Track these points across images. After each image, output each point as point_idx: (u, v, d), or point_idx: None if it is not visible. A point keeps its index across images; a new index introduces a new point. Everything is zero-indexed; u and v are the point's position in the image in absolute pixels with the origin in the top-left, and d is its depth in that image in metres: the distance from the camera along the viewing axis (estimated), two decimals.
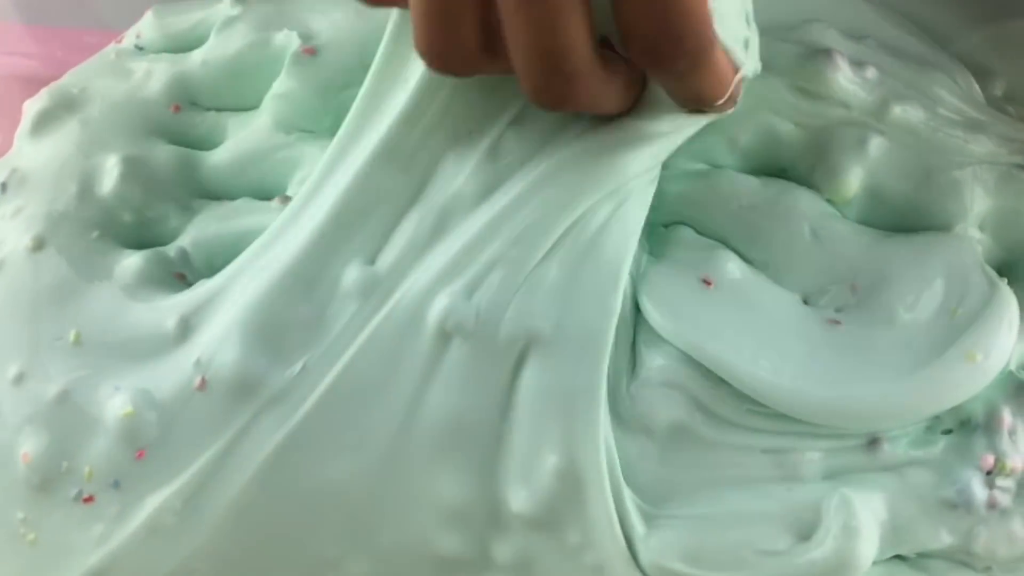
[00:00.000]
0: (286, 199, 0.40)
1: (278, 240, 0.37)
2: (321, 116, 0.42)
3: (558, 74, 0.30)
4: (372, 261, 0.37)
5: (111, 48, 0.46)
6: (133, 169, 0.41)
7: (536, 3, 0.29)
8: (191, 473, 0.36)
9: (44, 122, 0.43)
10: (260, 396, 0.36)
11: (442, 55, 0.31)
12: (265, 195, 0.41)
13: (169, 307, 0.38)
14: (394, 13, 0.38)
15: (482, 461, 0.35)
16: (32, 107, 0.44)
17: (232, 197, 0.42)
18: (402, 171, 0.37)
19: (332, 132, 0.41)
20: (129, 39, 0.47)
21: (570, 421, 0.35)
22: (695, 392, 0.36)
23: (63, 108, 0.43)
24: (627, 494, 0.35)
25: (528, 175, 0.36)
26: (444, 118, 0.37)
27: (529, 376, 0.35)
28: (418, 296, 0.36)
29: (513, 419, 0.35)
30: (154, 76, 0.44)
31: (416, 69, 0.37)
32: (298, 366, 0.36)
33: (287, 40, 0.42)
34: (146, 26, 0.46)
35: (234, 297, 0.37)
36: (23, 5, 0.61)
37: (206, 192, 0.42)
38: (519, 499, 0.35)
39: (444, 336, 0.35)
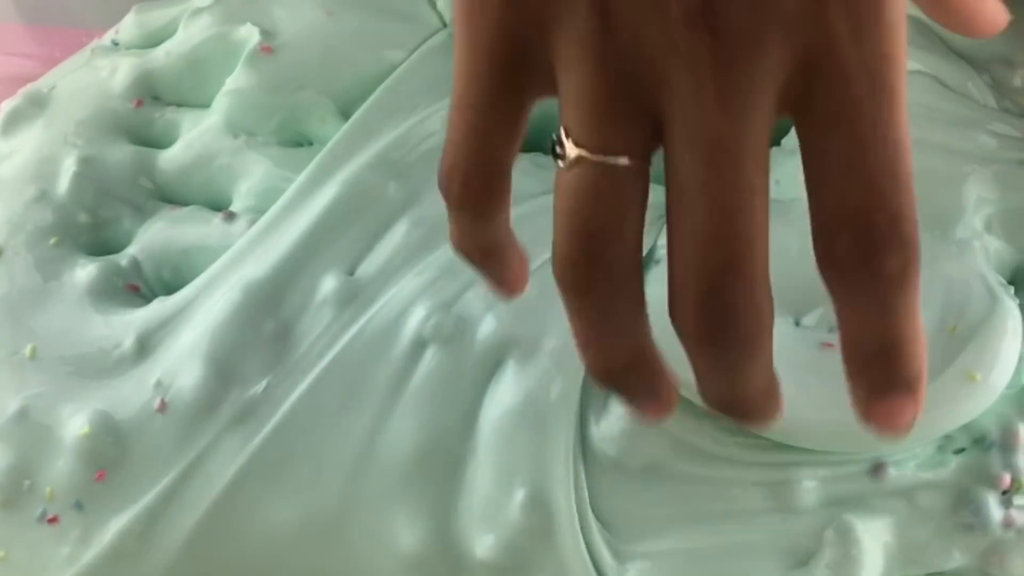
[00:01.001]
0: (230, 215, 0.39)
1: (247, 257, 0.36)
2: (269, 116, 0.40)
3: (738, 272, 0.24)
4: (352, 271, 0.36)
5: (90, 45, 0.45)
6: (88, 169, 0.40)
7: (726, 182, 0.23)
8: (151, 497, 0.34)
9: (13, 122, 0.42)
10: (220, 419, 0.34)
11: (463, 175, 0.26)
12: (212, 200, 0.40)
13: (126, 324, 0.36)
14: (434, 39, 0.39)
15: (441, 502, 0.33)
16: (6, 107, 0.43)
17: (183, 200, 0.40)
18: (396, 178, 0.37)
19: (277, 134, 0.39)
20: (108, 36, 0.45)
21: (539, 443, 0.33)
22: (672, 428, 0.33)
23: (33, 107, 0.42)
24: (595, 527, 0.33)
25: (534, 202, 0.36)
26: None
27: (501, 389, 0.34)
28: (399, 306, 0.35)
29: (477, 446, 0.33)
30: (119, 71, 0.42)
31: (430, 100, 0.38)
32: (262, 385, 0.34)
33: (248, 35, 0.41)
34: (126, 24, 0.45)
35: (198, 318, 0.36)
36: (23, 6, 0.60)
37: (159, 193, 0.41)
38: (484, 545, 0.33)
39: (420, 345, 0.34)
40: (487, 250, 0.28)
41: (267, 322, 0.35)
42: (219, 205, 0.40)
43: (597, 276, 0.24)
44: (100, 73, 0.43)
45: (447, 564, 0.34)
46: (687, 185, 0.23)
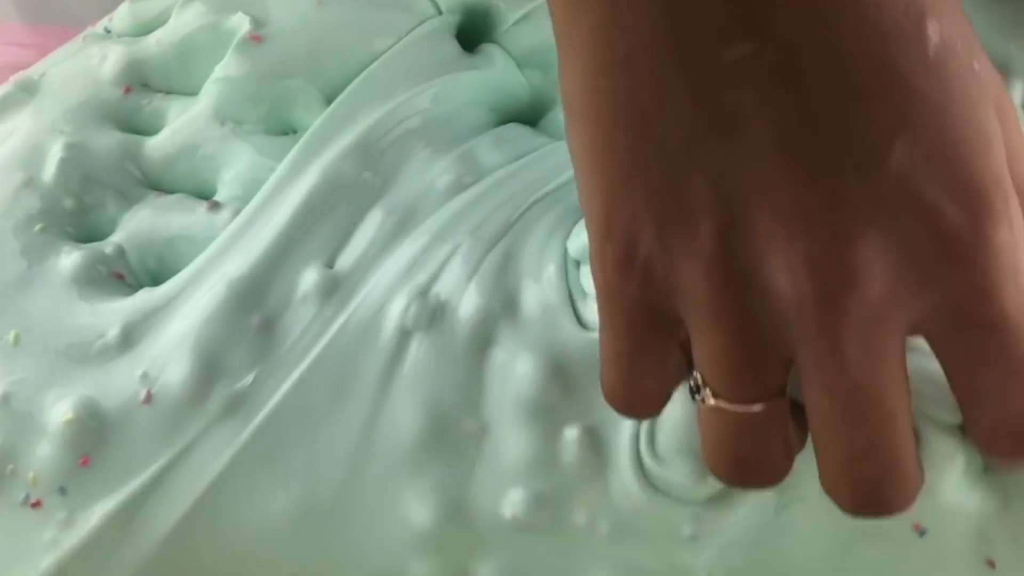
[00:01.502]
0: (215, 205, 0.38)
1: (230, 250, 0.36)
2: (256, 104, 0.40)
3: (890, 482, 0.26)
4: (331, 263, 0.36)
5: (83, 33, 0.45)
6: (74, 155, 0.40)
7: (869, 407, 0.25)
8: (137, 484, 0.34)
9: (3, 108, 0.42)
10: (208, 412, 0.34)
11: (625, 402, 0.29)
12: (198, 188, 0.40)
13: (110, 313, 0.36)
14: (423, 27, 0.40)
15: (453, 477, 0.33)
16: None
17: (169, 188, 0.40)
18: (368, 167, 0.37)
19: (264, 123, 0.40)
20: (101, 24, 0.45)
21: (579, 384, 0.33)
22: None
23: (23, 93, 0.42)
24: (648, 452, 0.32)
25: (498, 173, 0.37)
26: (425, 125, 0.38)
27: (507, 356, 0.34)
28: (379, 298, 0.35)
29: (493, 418, 0.33)
30: (109, 58, 0.42)
31: (410, 85, 0.38)
32: (249, 378, 0.34)
33: (238, 23, 0.41)
34: (120, 13, 0.45)
35: (183, 312, 0.36)
36: (23, 5, 0.60)
37: (146, 180, 0.40)
38: (513, 502, 0.33)
39: (404, 334, 0.34)
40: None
41: (252, 316, 0.35)
42: (205, 193, 0.39)
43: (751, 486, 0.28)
44: (90, 60, 0.43)
45: (465, 532, 0.33)
46: (828, 420, 0.25)
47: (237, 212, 0.38)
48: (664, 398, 0.29)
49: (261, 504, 0.34)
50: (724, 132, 0.24)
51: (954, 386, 0.26)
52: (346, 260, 0.36)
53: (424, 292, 0.35)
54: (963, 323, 0.25)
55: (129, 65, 0.42)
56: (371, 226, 0.36)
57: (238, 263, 0.36)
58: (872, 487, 0.25)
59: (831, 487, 0.26)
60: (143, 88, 0.42)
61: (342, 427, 0.34)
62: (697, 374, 0.27)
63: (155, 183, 0.40)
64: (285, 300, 0.35)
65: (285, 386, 0.34)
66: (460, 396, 0.34)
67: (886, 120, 0.24)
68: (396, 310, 0.34)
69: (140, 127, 0.41)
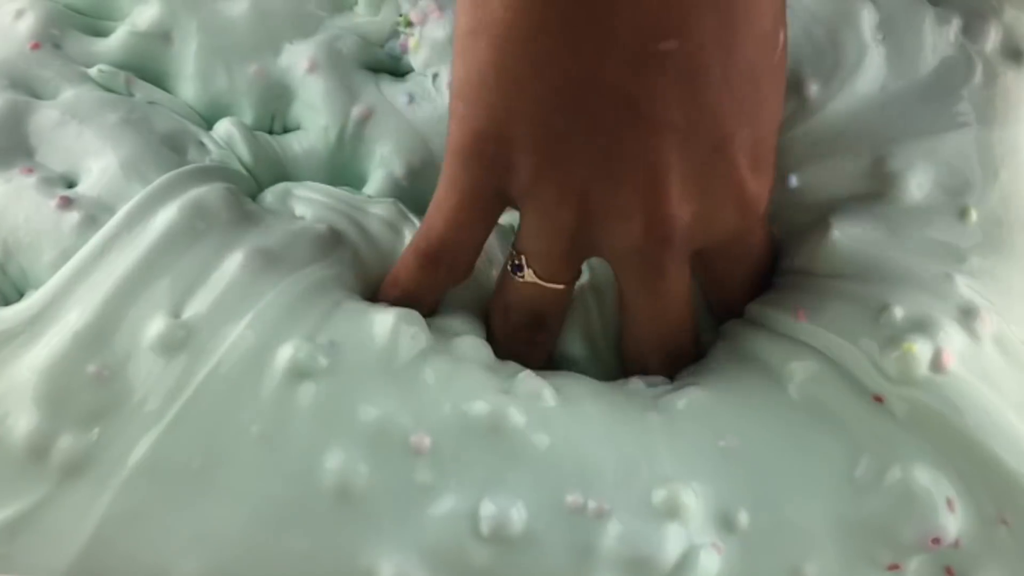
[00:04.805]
0: (67, 201, 0.36)
1: (76, 288, 0.34)
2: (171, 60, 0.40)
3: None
4: (177, 313, 0.33)
5: None
6: None
7: None
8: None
9: None
10: (52, 467, 0.32)
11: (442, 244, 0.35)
12: (70, 169, 0.37)
13: None
14: None
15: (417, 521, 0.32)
16: None
17: (44, 164, 0.37)
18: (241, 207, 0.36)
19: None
20: None
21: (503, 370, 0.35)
22: None
23: None
24: None
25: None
26: None
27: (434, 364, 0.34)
28: (252, 350, 0.32)
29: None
30: (26, 13, 0.41)
31: None
32: (94, 434, 0.32)
33: None
34: None
35: (28, 357, 0.33)
36: None
37: (24, 148, 0.38)
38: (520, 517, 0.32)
39: (293, 378, 0.32)
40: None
41: (90, 364, 0.33)
42: (72, 173, 0.37)
43: (523, 353, 0.36)
44: (4, 18, 0.41)
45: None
46: (646, 310, 0.35)
47: (86, 219, 0.35)
48: (474, 254, 0.35)
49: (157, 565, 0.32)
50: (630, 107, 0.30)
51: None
52: (198, 307, 0.33)
53: (310, 336, 0.33)
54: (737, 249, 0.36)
55: (45, 19, 0.40)
56: (232, 265, 0.34)
57: (82, 309, 0.33)
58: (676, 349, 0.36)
59: (638, 356, 0.36)
60: (55, 48, 0.40)
61: (231, 492, 0.32)
62: (522, 256, 0.34)
63: (32, 154, 0.38)
64: (128, 349, 0.33)
65: (142, 447, 0.32)
66: (405, 423, 0.33)
67: (741, 116, 0.32)
68: (282, 359, 0.32)
69: (39, 89, 0.39)
